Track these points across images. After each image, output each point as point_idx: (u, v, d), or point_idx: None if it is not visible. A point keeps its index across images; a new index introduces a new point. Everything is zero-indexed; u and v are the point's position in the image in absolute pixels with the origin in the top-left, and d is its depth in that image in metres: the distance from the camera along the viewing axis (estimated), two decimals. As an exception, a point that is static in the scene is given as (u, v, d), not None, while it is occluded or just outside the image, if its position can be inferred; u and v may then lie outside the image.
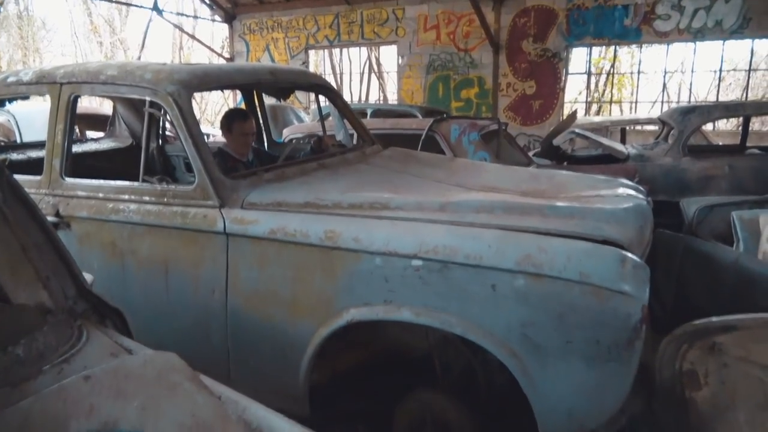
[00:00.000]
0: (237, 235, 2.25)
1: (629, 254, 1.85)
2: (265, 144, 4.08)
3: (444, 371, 2.29)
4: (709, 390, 1.82)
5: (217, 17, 14.16)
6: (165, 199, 2.42)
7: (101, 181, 2.58)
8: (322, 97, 3.69)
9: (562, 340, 1.81)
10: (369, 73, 18.11)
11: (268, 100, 4.23)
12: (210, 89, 2.92)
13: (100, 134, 4.72)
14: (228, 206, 2.31)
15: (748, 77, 11.40)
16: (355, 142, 3.74)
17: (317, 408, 2.27)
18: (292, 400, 2.19)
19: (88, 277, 1.71)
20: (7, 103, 3.07)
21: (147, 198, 2.46)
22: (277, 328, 2.21)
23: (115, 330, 1.61)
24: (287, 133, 5.47)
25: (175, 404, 1.11)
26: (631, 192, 2.53)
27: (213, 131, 10.68)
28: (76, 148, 4.06)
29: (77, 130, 5.73)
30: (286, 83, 3.35)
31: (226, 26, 14.19)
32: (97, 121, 6.41)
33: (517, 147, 5.49)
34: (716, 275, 2.73)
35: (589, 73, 12.28)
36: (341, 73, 17.59)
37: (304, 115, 10.06)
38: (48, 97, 2.69)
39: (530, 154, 5.76)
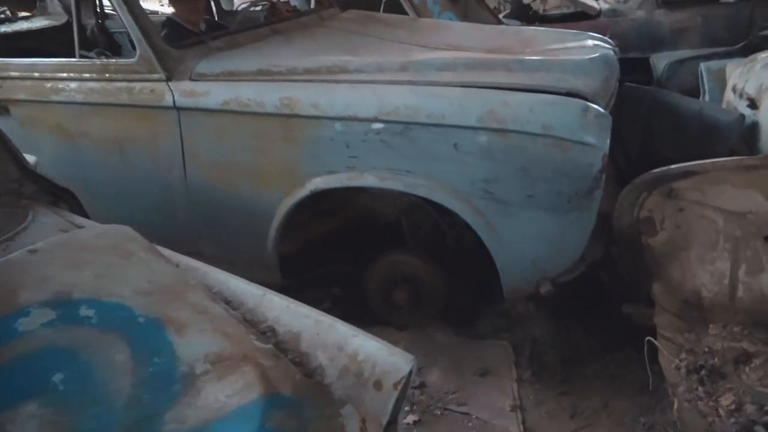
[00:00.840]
0: (188, 108, 2.13)
1: (592, 105, 1.82)
2: (215, 14, 3.77)
3: (412, 234, 2.33)
4: (665, 234, 1.89)
5: None
6: (107, 75, 2.25)
7: (34, 60, 2.37)
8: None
9: (525, 194, 1.83)
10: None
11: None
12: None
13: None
14: (176, 78, 2.16)
15: None
16: (312, 5, 3.48)
17: (293, 276, 2.33)
18: (264, 269, 2.23)
19: (30, 158, 1.62)
20: None
21: (87, 75, 2.28)
22: (242, 200, 2.19)
23: (68, 211, 1.56)
24: (238, 2, 5.07)
25: (131, 272, 1.10)
26: (598, 43, 2.45)
27: (159, 8, 9.83)
28: (5, 29, 3.71)
29: (7, 12, 5.20)
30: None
31: None
32: (25, 1, 5.80)
33: (486, 7, 5.20)
34: (681, 126, 2.74)
35: None
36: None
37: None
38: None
39: (500, 16, 5.48)
